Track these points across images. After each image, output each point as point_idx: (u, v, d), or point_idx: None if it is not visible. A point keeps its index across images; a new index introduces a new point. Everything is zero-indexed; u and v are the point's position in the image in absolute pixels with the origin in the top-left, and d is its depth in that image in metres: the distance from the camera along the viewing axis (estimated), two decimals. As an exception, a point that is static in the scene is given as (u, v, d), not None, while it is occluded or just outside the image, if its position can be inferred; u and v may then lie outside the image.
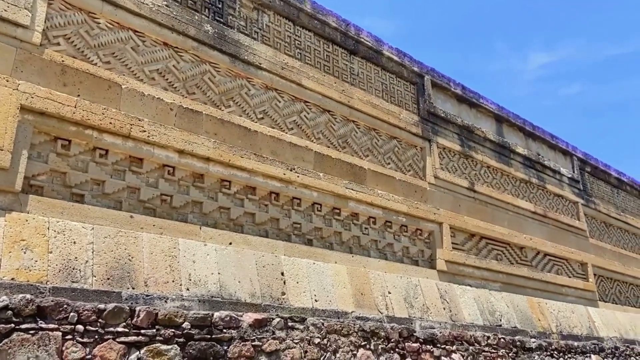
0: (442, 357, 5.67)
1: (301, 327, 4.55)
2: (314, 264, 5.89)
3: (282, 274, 5.51)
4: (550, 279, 9.12)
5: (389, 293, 6.50)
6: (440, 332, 5.77)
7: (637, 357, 8.88)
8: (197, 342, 3.82)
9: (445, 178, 8.01)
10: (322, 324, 4.73)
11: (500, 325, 7.60)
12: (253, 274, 5.25)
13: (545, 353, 6.85)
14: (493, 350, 6.21)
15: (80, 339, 3.37)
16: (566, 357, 7.09)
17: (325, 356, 4.61)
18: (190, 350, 3.78)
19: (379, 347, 5.08)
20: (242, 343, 4.06)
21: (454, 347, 5.81)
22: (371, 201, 6.81)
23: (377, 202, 6.88)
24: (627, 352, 8.63)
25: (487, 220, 8.45)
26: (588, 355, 7.51)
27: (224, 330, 4.01)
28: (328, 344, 4.66)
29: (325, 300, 5.68)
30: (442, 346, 5.71)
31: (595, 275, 10.35)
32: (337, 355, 4.69)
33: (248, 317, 4.27)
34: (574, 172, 10.82)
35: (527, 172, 9.62)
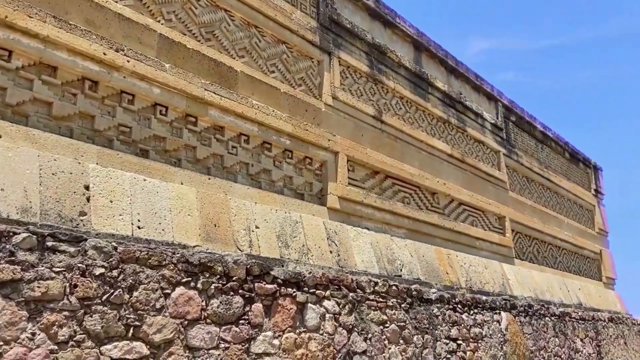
0: (310, 304, 4.24)
1: (72, 249, 2.92)
2: (144, 180, 4.24)
3: (87, 187, 3.83)
4: (463, 229, 7.95)
5: (257, 228, 4.98)
6: (310, 273, 4.33)
7: (552, 318, 7.94)
8: None
9: (347, 101, 6.53)
10: (115, 248, 3.13)
11: (400, 276, 6.31)
12: (32, 183, 3.54)
13: (447, 306, 5.62)
14: (380, 299, 4.87)
15: None
16: (472, 312, 5.92)
17: (112, 294, 3.02)
18: None
19: (212, 287, 3.56)
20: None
21: (328, 293, 4.41)
22: (242, 112, 5.21)
23: (251, 115, 5.29)
24: (542, 312, 7.65)
25: (395, 157, 7.09)
26: (497, 311, 6.40)
27: None
28: (120, 278, 3.08)
29: (155, 228, 4.07)
30: (311, 290, 4.27)
31: (513, 231, 9.35)
32: (135, 293, 3.12)
33: (-40, 228, 2.59)
34: (497, 118, 9.69)
35: (446, 111, 8.34)
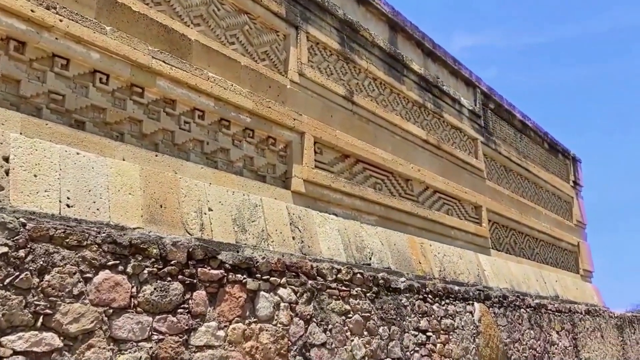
0: (263, 292, 3.84)
1: (-36, 225, 2.48)
2: (77, 154, 3.79)
3: (6, 159, 3.36)
4: (438, 218, 7.63)
5: (210, 210, 4.56)
6: (264, 259, 3.93)
7: (528, 309, 7.68)
8: None
9: (315, 79, 6.12)
10: (23, 224, 2.69)
11: (369, 265, 5.95)
12: (-63, 150, 3.08)
13: (416, 296, 5.28)
14: (343, 288, 4.50)
15: None
16: (443, 302, 5.59)
17: (17, 277, 2.59)
18: None
19: (145, 271, 3.14)
20: None
21: (283, 280, 4.01)
22: (196, 85, 4.77)
23: (207, 88, 4.86)
24: (517, 303, 7.37)
25: (366, 141, 6.71)
26: (470, 302, 6.09)
27: None
28: (29, 259, 2.64)
29: (88, 207, 3.62)
30: (265, 277, 3.88)
31: (490, 221, 9.06)
32: (47, 277, 2.69)
33: None
34: (475, 105, 9.38)
35: (422, 95, 7.99)
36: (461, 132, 8.79)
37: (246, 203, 4.91)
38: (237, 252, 4.28)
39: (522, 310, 7.34)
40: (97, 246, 2.94)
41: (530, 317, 7.47)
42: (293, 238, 5.22)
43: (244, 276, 3.76)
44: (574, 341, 8.43)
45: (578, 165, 13.06)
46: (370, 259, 6.03)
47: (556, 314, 8.39)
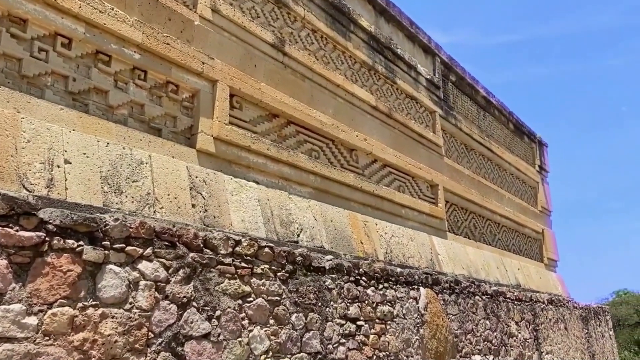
0: (111, 266, 2.74)
1: None
2: None
3: None
4: (386, 194, 6.63)
5: (67, 163, 3.42)
6: (117, 220, 2.84)
7: (483, 297, 6.75)
8: None
9: (234, 19, 5.02)
10: None
11: (297, 242, 4.90)
12: None
13: (346, 277, 4.26)
14: (244, 265, 3.44)
15: None
16: (381, 286, 4.59)
17: None
18: None
19: None
20: None
21: (149, 251, 2.93)
22: (57, 2, 3.64)
23: (73, 8, 3.70)
24: (471, 290, 6.43)
25: (301, 100, 5.66)
26: (416, 287, 5.11)
27: None
28: None
29: None
30: (118, 245, 2.80)
31: (447, 202, 8.13)
32: None
33: None
34: (435, 75, 8.41)
35: (373, 56, 6.97)
36: (417, 103, 7.81)
37: (126, 158, 3.80)
38: (104, 214, 3.17)
39: (477, 297, 6.41)
40: None
41: (486, 306, 6.55)
42: (193, 206, 4.13)
43: (81, 243, 2.66)
44: (534, 333, 7.57)
45: (544, 149, 12.29)
46: (298, 235, 4.99)
47: (516, 302, 7.50)
